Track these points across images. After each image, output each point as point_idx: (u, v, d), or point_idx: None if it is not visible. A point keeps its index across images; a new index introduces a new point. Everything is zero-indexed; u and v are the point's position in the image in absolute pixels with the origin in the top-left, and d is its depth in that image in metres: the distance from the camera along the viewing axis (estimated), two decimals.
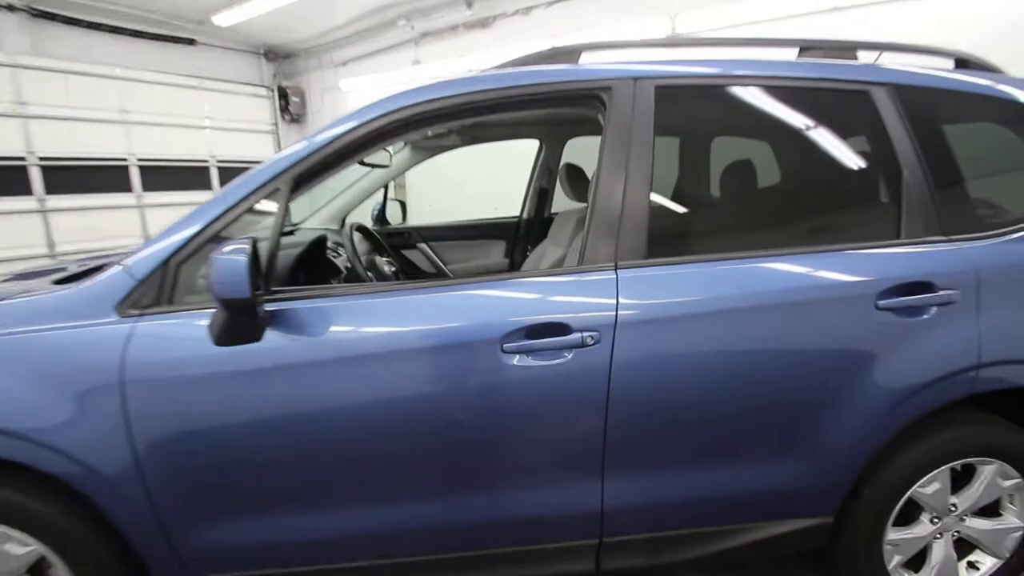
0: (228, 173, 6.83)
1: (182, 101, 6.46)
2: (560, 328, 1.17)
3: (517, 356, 1.17)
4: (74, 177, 5.72)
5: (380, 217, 2.72)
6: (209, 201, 1.21)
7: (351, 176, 2.53)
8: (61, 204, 5.61)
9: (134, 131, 6.09)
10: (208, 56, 6.83)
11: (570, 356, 1.17)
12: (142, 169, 6.13)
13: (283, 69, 7.37)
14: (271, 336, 1.14)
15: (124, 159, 6.07)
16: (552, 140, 2.66)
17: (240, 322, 1.06)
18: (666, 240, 1.27)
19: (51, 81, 5.52)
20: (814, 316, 1.23)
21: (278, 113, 7.18)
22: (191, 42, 6.66)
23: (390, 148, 2.22)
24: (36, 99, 5.43)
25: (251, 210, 1.21)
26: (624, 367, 1.18)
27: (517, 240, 2.77)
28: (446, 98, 1.26)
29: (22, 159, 5.42)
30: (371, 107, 1.25)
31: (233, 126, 6.81)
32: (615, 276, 1.21)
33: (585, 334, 1.17)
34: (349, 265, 1.84)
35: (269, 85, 7.28)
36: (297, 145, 1.23)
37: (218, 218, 1.18)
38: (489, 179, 4.54)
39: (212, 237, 1.19)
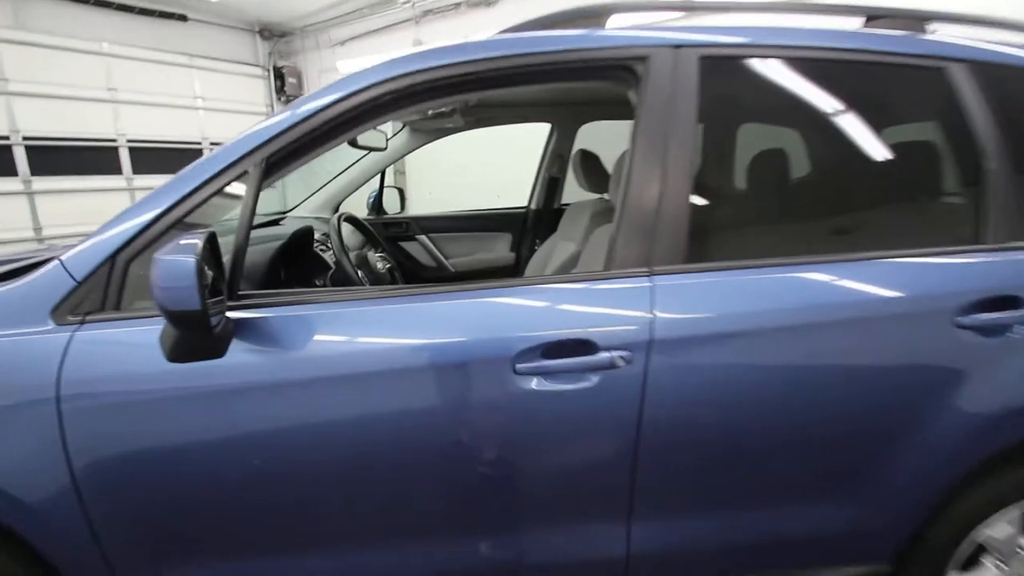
0: None
1: (173, 80, 6.22)
2: (584, 346, 0.98)
3: (532, 379, 0.98)
4: (61, 158, 5.51)
5: (376, 206, 2.52)
6: (164, 186, 1.01)
7: (346, 159, 2.32)
8: (47, 186, 5.41)
9: (123, 110, 5.87)
10: (200, 33, 6.56)
11: (595, 380, 0.98)
12: (132, 150, 5.93)
13: (279, 48, 7.09)
14: (236, 351, 0.95)
15: (113, 140, 5.85)
16: (565, 124, 2.44)
17: (193, 337, 0.87)
18: (710, 242, 1.07)
19: (35, 56, 5.29)
20: (886, 334, 1.04)
21: (274, 94, 6.93)
22: (183, 18, 6.38)
23: (386, 130, 2.00)
24: (20, 75, 5.20)
25: (220, 194, 1.01)
26: (660, 394, 0.99)
27: (524, 233, 2.56)
28: (448, 66, 1.05)
29: (6, 138, 5.20)
30: (358, 76, 1.04)
31: (227, 107, 6.56)
32: (650, 284, 1.01)
33: (614, 354, 0.97)
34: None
35: (264, 65, 7.02)
36: (270, 120, 1.03)
37: (174, 207, 0.98)
38: (496, 167, 4.32)
39: (168, 229, 0.99)
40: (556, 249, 2.20)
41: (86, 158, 5.66)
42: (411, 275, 2.47)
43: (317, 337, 0.97)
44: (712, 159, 1.08)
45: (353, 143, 1.71)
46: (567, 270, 1.94)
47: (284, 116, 1.02)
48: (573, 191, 2.33)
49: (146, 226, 0.98)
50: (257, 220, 2.02)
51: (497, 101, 2.16)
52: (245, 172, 1.00)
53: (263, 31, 6.96)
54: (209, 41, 6.62)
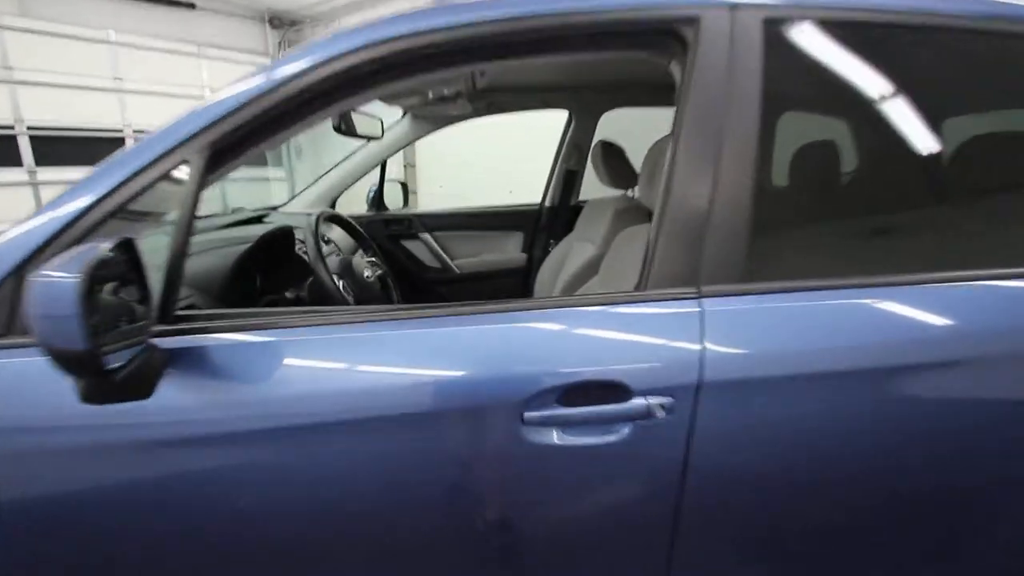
0: None
1: (181, 69, 6.09)
2: (613, 389, 0.75)
3: (544, 431, 0.76)
4: (66, 148, 5.43)
5: (377, 201, 2.31)
6: (80, 182, 0.80)
7: (347, 148, 2.11)
8: (52, 177, 5.33)
9: (129, 101, 5.76)
10: (208, 21, 6.42)
11: (626, 432, 0.76)
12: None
13: (288, 37, 6.92)
14: (168, 390, 0.74)
15: (119, 130, 5.76)
16: (584, 111, 2.20)
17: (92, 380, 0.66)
18: (778, 254, 0.84)
19: (40, 44, 5.19)
20: (1017, 378, 0.80)
21: None
22: (191, 6, 6.25)
23: (380, 117, 1.79)
24: (24, 63, 5.11)
25: (153, 188, 0.80)
26: (709, 453, 0.76)
27: (537, 232, 2.33)
28: (443, 30, 0.82)
29: (10, 128, 5.12)
30: (330, 42, 0.82)
31: None
32: (698, 308, 0.78)
33: (652, 400, 0.75)
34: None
35: (273, 54, 6.85)
36: (217, 97, 0.82)
37: (90, 209, 0.77)
38: (514, 159, 4.07)
39: (84, 236, 0.78)
40: (573, 250, 1.98)
41: (91, 149, 5.56)
42: (412, 278, 2.26)
43: (267, 373, 0.76)
44: (779, 150, 0.85)
45: (341, 130, 1.50)
46: (586, 274, 1.72)
47: (234, 91, 0.81)
48: (591, 187, 2.10)
49: (56, 233, 0.77)
50: (240, 216, 1.83)
51: (508, 84, 1.92)
52: (184, 162, 0.79)
53: (272, 19, 6.80)
54: (218, 30, 6.48)
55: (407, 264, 2.28)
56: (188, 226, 0.77)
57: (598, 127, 2.24)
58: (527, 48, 0.88)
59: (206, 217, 1.60)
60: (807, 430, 0.77)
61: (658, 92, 1.98)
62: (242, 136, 0.81)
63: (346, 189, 2.17)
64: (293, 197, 2.14)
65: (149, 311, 0.73)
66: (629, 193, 1.90)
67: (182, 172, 0.80)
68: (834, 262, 0.85)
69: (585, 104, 2.17)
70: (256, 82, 0.82)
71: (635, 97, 2.12)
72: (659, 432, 0.76)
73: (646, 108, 2.13)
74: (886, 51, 0.86)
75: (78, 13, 5.51)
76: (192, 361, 0.76)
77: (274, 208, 2.06)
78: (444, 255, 2.31)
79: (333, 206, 2.18)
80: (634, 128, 2.16)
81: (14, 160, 5.21)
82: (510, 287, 2.30)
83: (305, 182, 2.18)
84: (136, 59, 5.79)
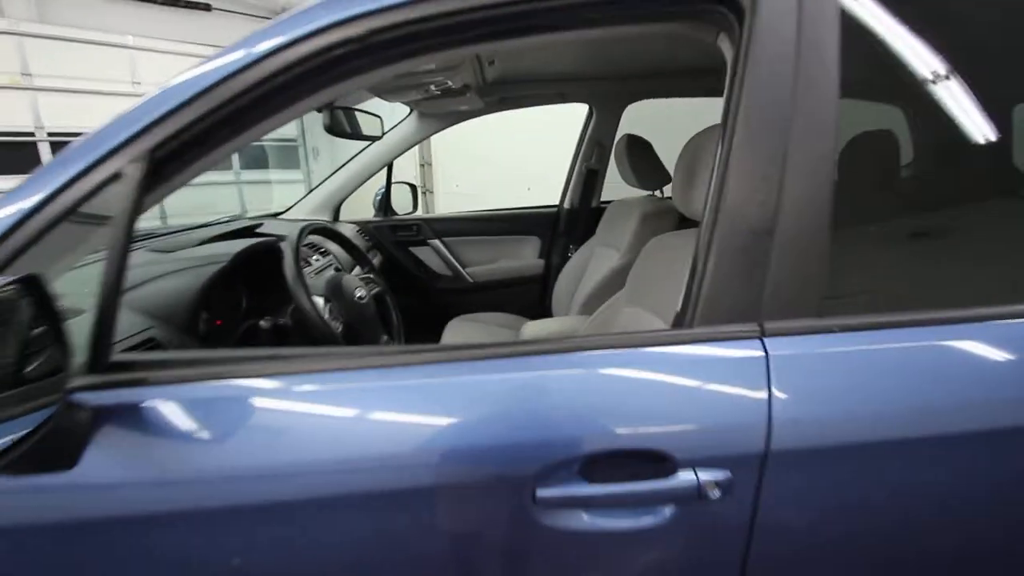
0: (253, 151, 6.51)
1: None
2: (650, 460, 0.58)
3: (562, 513, 0.59)
4: None
5: (384, 205, 2.16)
6: None
7: (351, 149, 1.97)
8: None
9: None
10: (225, 23, 6.40)
11: (668, 515, 0.59)
12: None
13: None
14: (99, 457, 0.60)
15: None
16: (606, 104, 2.01)
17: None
18: (870, 277, 0.65)
19: (59, 50, 5.23)
20: None
21: None
22: (207, 8, 6.23)
23: (378, 114, 1.63)
24: (43, 70, 5.16)
25: (74, 216, 0.65)
26: (780, 543, 0.59)
27: (556, 236, 2.16)
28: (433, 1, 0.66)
29: (31, 134, 5.17)
30: (293, 19, 0.67)
31: None
32: (762, 352, 0.60)
33: (703, 475, 0.57)
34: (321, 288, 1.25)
35: None
36: (156, 92, 0.67)
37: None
38: (538, 155, 3.88)
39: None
40: (595, 256, 1.81)
41: None
42: (421, 288, 2.11)
43: (221, 437, 0.61)
44: (867, 144, 0.66)
45: (334, 130, 1.35)
46: (609, 286, 1.55)
47: (179, 83, 0.66)
48: (614, 186, 1.92)
49: None
50: (233, 226, 1.70)
51: (521, 75, 1.75)
52: (116, 176, 0.64)
53: None
54: (234, 31, 6.46)
55: (416, 272, 2.13)
56: (122, 255, 0.62)
57: (621, 121, 2.05)
58: (540, 23, 0.71)
59: (192, 228, 1.47)
60: (912, 511, 0.59)
61: (693, 78, 1.78)
62: (190, 140, 0.66)
63: (351, 193, 2.03)
64: (295, 203, 2.01)
65: (66, 363, 0.58)
66: (658, 194, 1.72)
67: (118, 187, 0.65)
68: (943, 287, 0.66)
69: (607, 96, 1.97)
70: (203, 71, 0.66)
71: (664, 86, 1.92)
72: (712, 517, 0.58)
73: (678, 98, 1.93)
74: (1008, 12, 0.66)
75: (95, 17, 5.54)
76: (128, 420, 0.62)
77: (275, 215, 1.93)
78: (455, 262, 2.16)
79: (338, 211, 2.05)
80: (661, 121, 1.97)
81: (35, 166, 5.26)
82: (527, 297, 2.13)
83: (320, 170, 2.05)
84: (154, 63, 5.81)
